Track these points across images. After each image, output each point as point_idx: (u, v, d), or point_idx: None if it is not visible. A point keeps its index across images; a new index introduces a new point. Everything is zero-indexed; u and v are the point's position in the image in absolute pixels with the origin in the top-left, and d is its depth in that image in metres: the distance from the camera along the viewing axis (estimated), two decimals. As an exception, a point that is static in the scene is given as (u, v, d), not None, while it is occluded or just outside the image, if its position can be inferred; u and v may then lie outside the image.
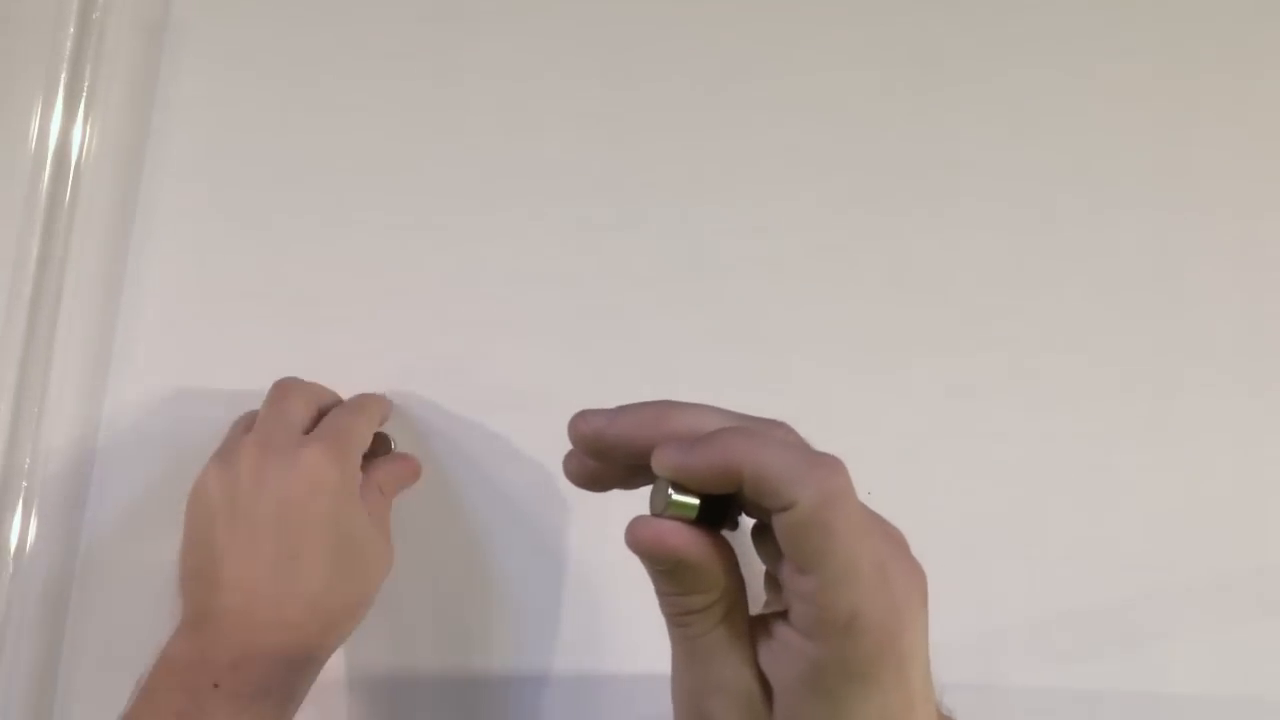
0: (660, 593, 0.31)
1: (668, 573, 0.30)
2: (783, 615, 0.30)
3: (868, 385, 0.57)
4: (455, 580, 0.55)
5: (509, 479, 0.56)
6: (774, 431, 0.31)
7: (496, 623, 0.55)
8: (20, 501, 0.55)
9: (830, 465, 0.29)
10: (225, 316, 0.57)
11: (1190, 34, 0.60)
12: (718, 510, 0.30)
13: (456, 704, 0.55)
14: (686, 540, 0.30)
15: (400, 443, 0.56)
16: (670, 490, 0.30)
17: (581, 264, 0.57)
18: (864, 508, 0.30)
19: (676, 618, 0.31)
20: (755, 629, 0.31)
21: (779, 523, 0.29)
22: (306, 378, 0.54)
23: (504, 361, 0.57)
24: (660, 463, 0.30)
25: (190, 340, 0.56)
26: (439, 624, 0.55)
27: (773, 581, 0.32)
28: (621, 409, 0.31)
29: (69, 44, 0.57)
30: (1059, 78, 0.60)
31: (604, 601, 0.55)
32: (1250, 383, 0.58)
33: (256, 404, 0.52)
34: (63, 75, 0.57)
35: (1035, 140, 0.59)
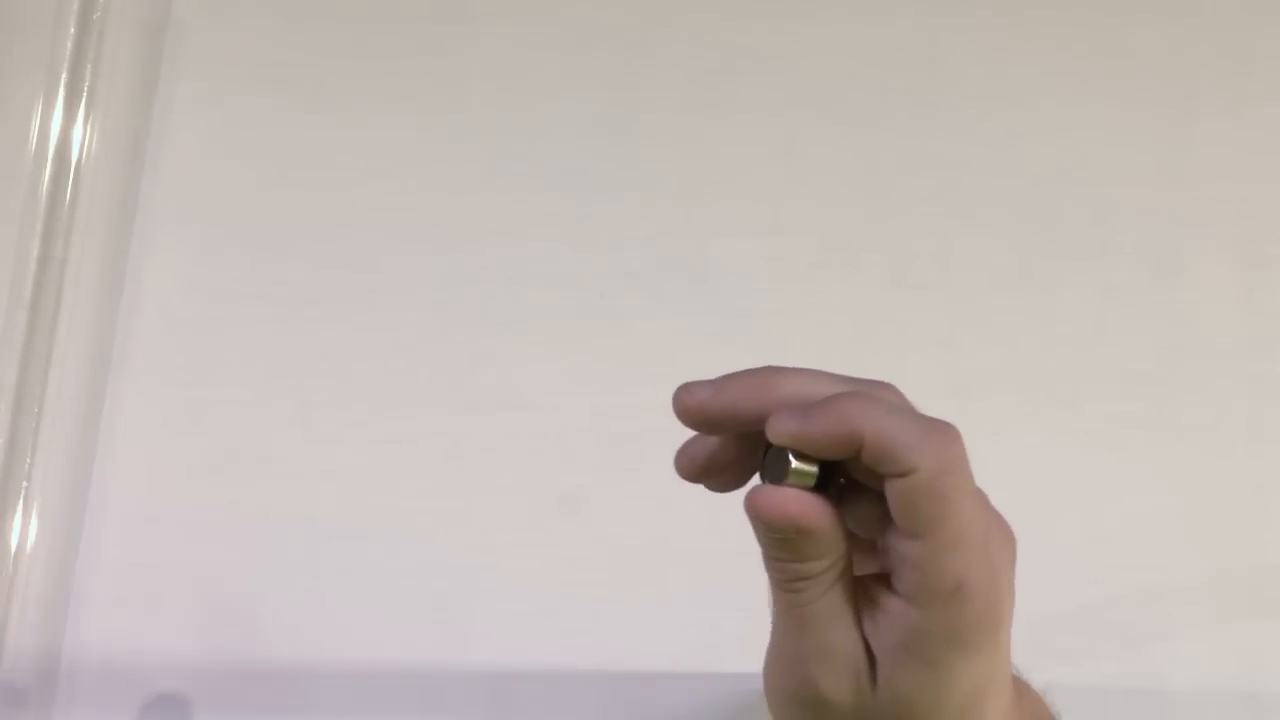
0: (774, 560, 0.31)
1: (785, 540, 0.30)
2: (883, 580, 0.30)
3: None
4: (455, 580, 0.55)
5: (509, 479, 0.56)
6: (887, 395, 0.31)
7: (496, 623, 0.55)
8: (20, 501, 0.55)
9: (948, 433, 0.29)
10: (225, 316, 0.57)
11: (1190, 34, 0.60)
12: (828, 475, 0.30)
13: (456, 704, 0.55)
14: (810, 508, 0.30)
15: (400, 443, 0.56)
16: (791, 457, 0.30)
17: (581, 264, 0.58)
18: (972, 476, 0.30)
19: (789, 584, 0.31)
20: (856, 592, 0.31)
21: (894, 488, 0.29)
22: (306, 377, 0.54)
23: (504, 361, 0.57)
24: (778, 430, 0.30)
25: (190, 340, 0.56)
26: (438, 623, 0.55)
27: (863, 545, 0.32)
28: (725, 378, 0.31)
29: (69, 44, 0.57)
30: (1059, 78, 0.60)
31: (604, 600, 0.55)
32: (1250, 383, 0.58)
33: (256, 403, 0.52)
34: (63, 75, 0.57)
35: (1035, 140, 0.59)
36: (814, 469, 0.30)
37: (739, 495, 0.52)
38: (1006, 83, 0.59)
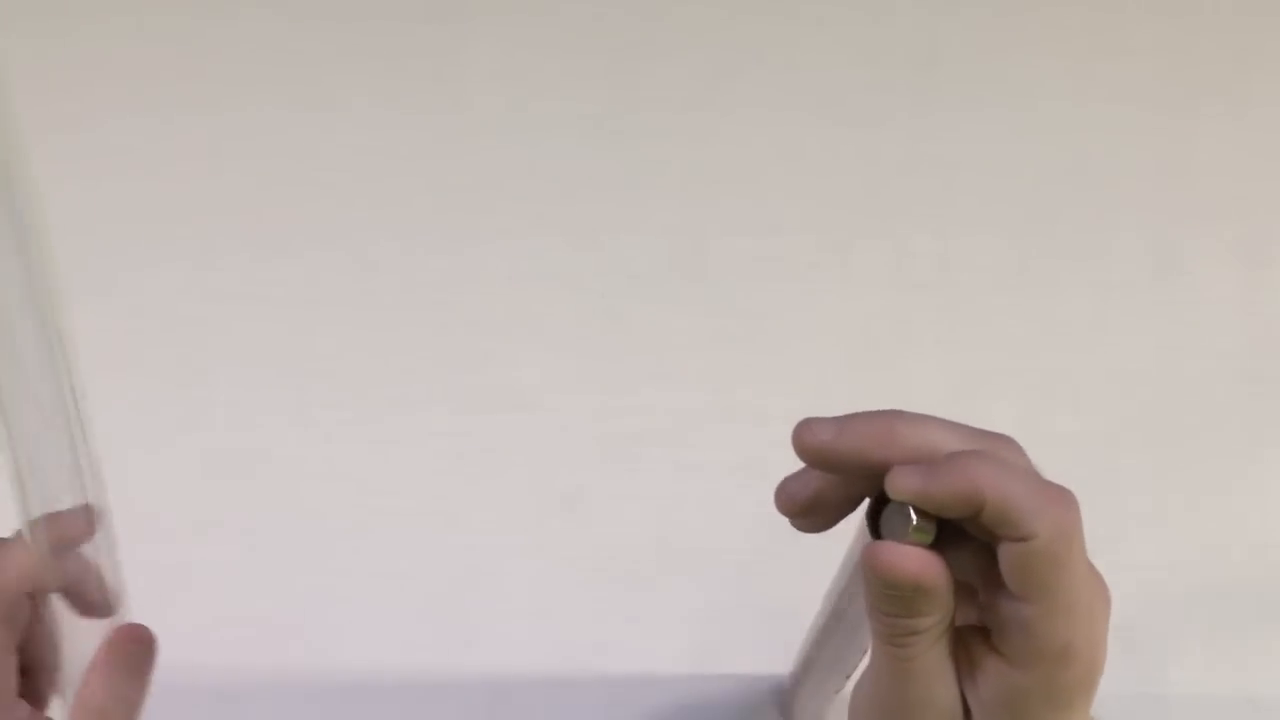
0: (884, 615, 0.31)
1: (900, 598, 0.30)
2: (982, 634, 0.31)
3: (868, 385, 0.57)
4: (455, 580, 0.55)
5: (509, 479, 0.56)
6: (1010, 454, 0.31)
7: (496, 623, 0.55)
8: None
9: (1066, 500, 0.30)
10: (225, 316, 0.57)
11: (1190, 34, 0.60)
12: (943, 531, 0.30)
13: (456, 704, 0.55)
14: (930, 566, 0.30)
15: (400, 443, 0.56)
16: (912, 514, 0.30)
17: (581, 264, 0.58)
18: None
19: (899, 639, 0.31)
20: (954, 646, 0.32)
21: (1010, 551, 0.29)
22: (305, 378, 0.54)
23: (504, 361, 0.57)
24: (901, 487, 0.30)
25: (190, 340, 0.56)
26: (438, 622, 0.55)
27: (962, 595, 0.32)
28: (848, 419, 0.31)
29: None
30: (1059, 78, 0.60)
31: (605, 602, 0.55)
32: (1250, 383, 0.58)
33: (255, 403, 0.52)
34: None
35: (1035, 140, 0.59)
36: (933, 527, 0.30)
37: (739, 494, 0.52)
38: (1006, 83, 0.59)
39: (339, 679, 0.54)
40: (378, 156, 0.58)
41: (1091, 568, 0.31)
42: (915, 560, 0.29)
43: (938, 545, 0.30)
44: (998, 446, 0.31)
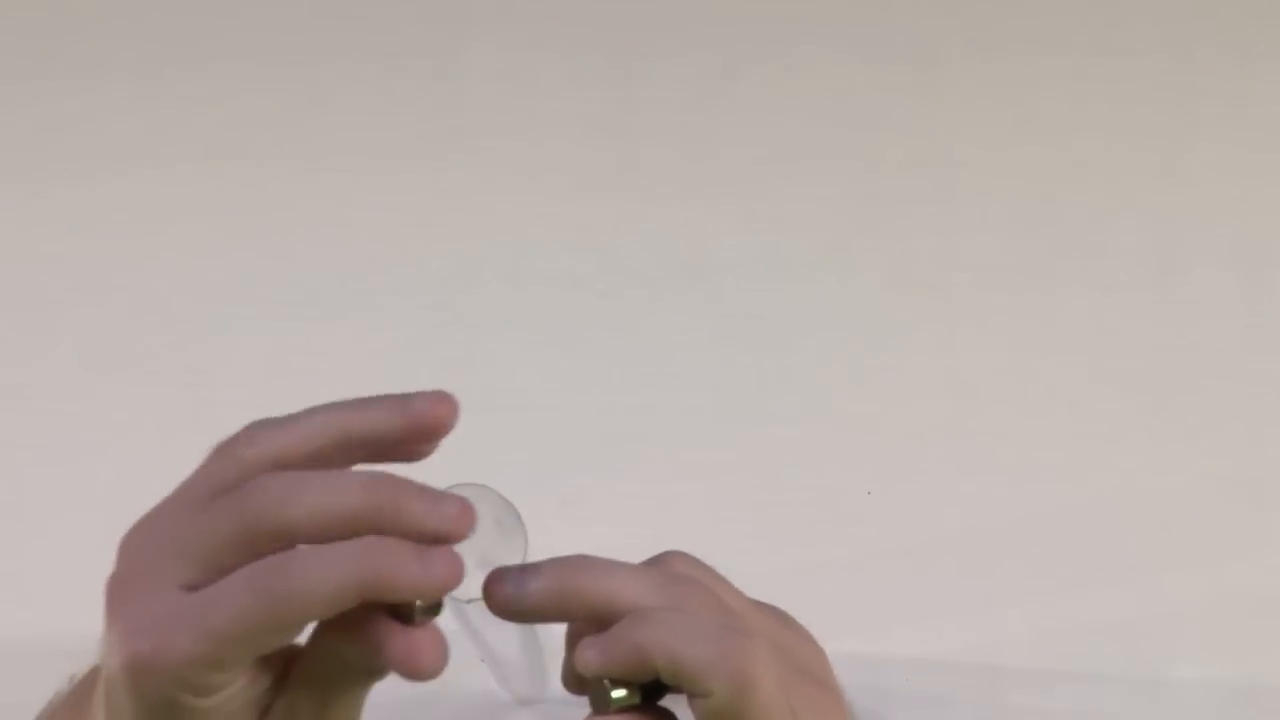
0: None
1: None
2: None
3: (868, 384, 0.57)
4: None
5: (509, 479, 0.56)
6: (686, 601, 0.31)
7: (496, 622, 0.55)
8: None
9: (743, 650, 0.29)
10: (225, 316, 0.57)
11: (1190, 34, 0.60)
12: (652, 686, 0.31)
13: (456, 704, 0.55)
14: None
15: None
16: (609, 687, 0.30)
17: (581, 264, 0.57)
18: (779, 680, 0.30)
19: None
20: None
21: (696, 707, 0.29)
22: (305, 378, 0.54)
23: (504, 361, 0.57)
24: (585, 667, 0.30)
25: (190, 340, 0.56)
26: (438, 622, 0.55)
27: None
28: (530, 573, 0.32)
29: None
30: (1059, 78, 0.60)
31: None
32: (1250, 383, 0.58)
33: (254, 402, 0.52)
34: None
35: (1035, 140, 0.59)
36: (631, 693, 0.30)
37: (738, 491, 0.52)
38: (1006, 83, 0.59)
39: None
40: (377, 156, 0.58)
41: (800, 695, 0.31)
42: None
43: (655, 695, 0.30)
44: (675, 592, 0.31)
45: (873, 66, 0.59)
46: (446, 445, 0.56)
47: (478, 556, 0.33)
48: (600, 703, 0.31)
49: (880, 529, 0.53)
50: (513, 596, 0.31)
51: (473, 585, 0.32)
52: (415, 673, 0.30)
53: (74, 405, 0.56)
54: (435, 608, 0.30)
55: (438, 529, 0.29)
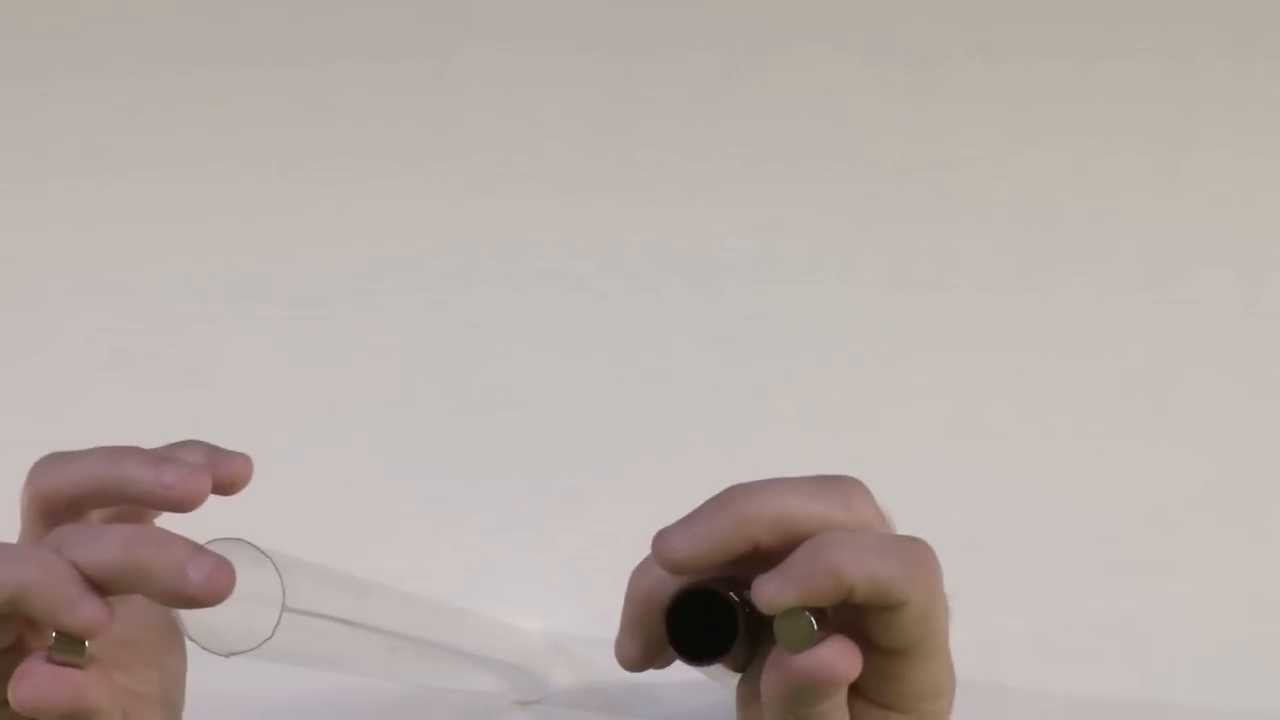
0: (804, 715, 0.30)
1: (823, 694, 0.30)
2: (852, 688, 0.31)
3: (868, 384, 0.57)
4: (455, 580, 0.55)
5: (509, 479, 0.56)
6: (858, 505, 0.31)
7: (496, 623, 0.55)
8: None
9: (926, 556, 0.30)
10: (225, 316, 0.57)
11: (1190, 34, 0.60)
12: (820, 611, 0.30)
13: (456, 704, 0.55)
14: (849, 656, 0.29)
15: (400, 442, 0.56)
16: (810, 618, 0.29)
17: (581, 264, 0.57)
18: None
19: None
20: None
21: (885, 619, 0.29)
22: (305, 378, 0.54)
23: (504, 361, 0.57)
24: (774, 603, 0.29)
25: (190, 340, 0.56)
26: (439, 624, 0.55)
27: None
28: (695, 520, 0.31)
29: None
30: (1059, 78, 0.60)
31: (604, 601, 0.55)
32: (1250, 383, 0.58)
33: (254, 402, 0.52)
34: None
35: (1035, 140, 0.59)
36: (814, 619, 0.29)
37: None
38: (1006, 83, 0.59)
39: (338, 679, 0.54)
40: (377, 156, 0.58)
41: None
42: (835, 657, 0.29)
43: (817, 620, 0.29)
44: (845, 495, 0.31)
45: (872, 66, 0.59)
46: (448, 446, 0.56)
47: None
48: (800, 637, 0.29)
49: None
50: (688, 544, 0.30)
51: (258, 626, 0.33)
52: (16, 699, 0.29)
53: (74, 405, 0.56)
54: (76, 647, 0.30)
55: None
